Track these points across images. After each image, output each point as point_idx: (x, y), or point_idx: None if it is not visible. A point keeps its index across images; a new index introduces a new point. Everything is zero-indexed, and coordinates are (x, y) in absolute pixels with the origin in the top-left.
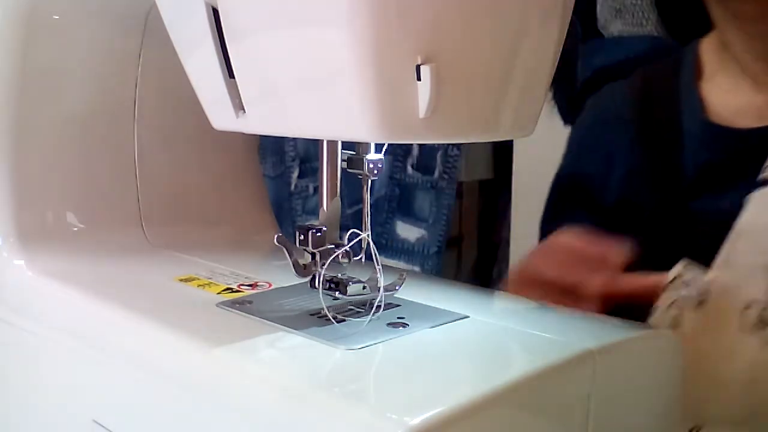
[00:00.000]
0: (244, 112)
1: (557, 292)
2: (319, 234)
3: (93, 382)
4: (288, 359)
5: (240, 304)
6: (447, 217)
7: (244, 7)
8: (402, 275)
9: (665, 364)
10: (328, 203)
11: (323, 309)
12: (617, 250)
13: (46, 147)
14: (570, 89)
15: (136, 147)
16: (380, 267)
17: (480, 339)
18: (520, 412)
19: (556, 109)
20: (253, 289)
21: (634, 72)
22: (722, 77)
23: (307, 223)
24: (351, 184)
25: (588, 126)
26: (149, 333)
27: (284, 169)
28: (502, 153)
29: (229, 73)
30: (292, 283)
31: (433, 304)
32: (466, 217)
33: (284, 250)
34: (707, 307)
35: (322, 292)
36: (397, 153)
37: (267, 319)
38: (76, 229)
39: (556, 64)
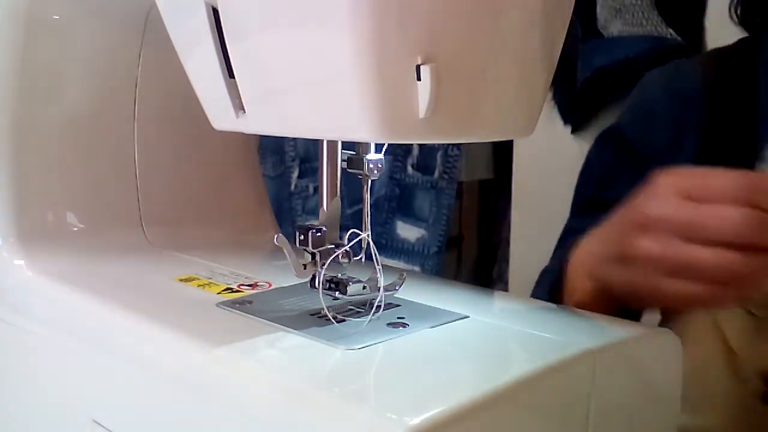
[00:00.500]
0: (244, 112)
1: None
2: (319, 234)
3: (93, 382)
4: (288, 359)
5: (240, 304)
6: (447, 217)
7: (244, 7)
8: (402, 275)
9: (665, 364)
10: (328, 203)
11: (323, 309)
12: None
13: (47, 147)
14: (570, 89)
15: (136, 147)
16: (380, 267)
17: (480, 339)
18: (520, 412)
19: (556, 109)
20: (253, 289)
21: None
22: None
23: (307, 223)
24: (351, 184)
25: (654, 98)
26: (149, 333)
27: (284, 169)
28: (502, 153)
29: (229, 73)
30: (292, 283)
31: (433, 304)
32: (466, 217)
33: (284, 250)
34: None
35: (322, 292)
36: (397, 153)
37: (267, 319)
38: (76, 229)
39: (556, 64)
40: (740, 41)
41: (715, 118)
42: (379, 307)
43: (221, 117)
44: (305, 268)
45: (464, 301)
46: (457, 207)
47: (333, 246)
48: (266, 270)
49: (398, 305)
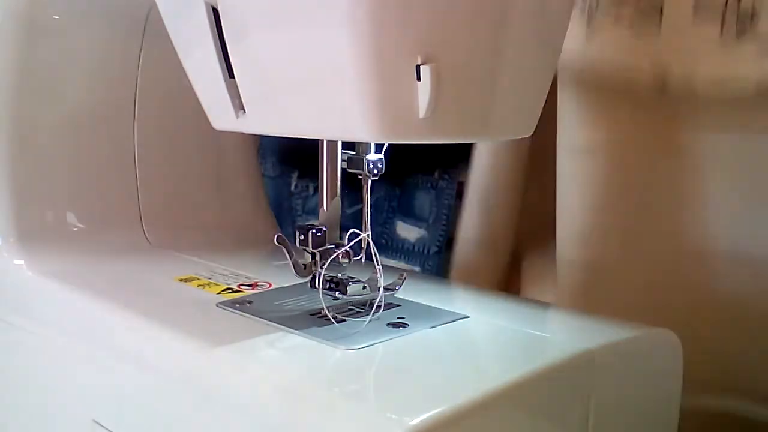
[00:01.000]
0: (244, 112)
1: None
2: (319, 234)
3: (93, 382)
4: (288, 359)
5: (240, 304)
6: (447, 217)
7: (244, 7)
8: (402, 275)
9: (665, 364)
10: (328, 203)
11: (323, 309)
12: None
13: (46, 147)
14: None
15: (136, 147)
16: (380, 267)
17: (480, 339)
18: (520, 412)
19: None
20: (253, 289)
21: None
22: None
23: (307, 223)
24: (351, 184)
25: None
26: (149, 333)
27: (284, 169)
28: None
29: (229, 73)
30: (292, 283)
31: (433, 304)
32: None
33: (284, 250)
34: None
35: (322, 292)
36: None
37: (267, 319)
38: (76, 229)
39: (557, 63)
40: None
41: None
42: (379, 307)
43: (221, 117)
44: (305, 268)
45: (464, 301)
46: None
47: (333, 246)
48: (266, 270)
49: (398, 305)
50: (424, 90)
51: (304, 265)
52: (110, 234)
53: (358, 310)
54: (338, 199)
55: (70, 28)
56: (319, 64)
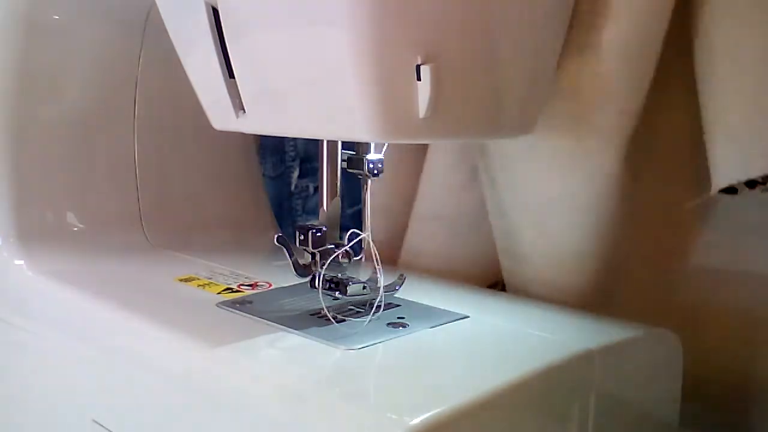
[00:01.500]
0: (244, 112)
1: None
2: (319, 234)
3: (93, 382)
4: (288, 359)
5: (240, 304)
6: None
7: (244, 7)
8: (402, 275)
9: (665, 364)
10: (328, 203)
11: (323, 309)
12: None
13: (46, 147)
14: None
15: (136, 147)
16: (380, 267)
17: (480, 339)
18: (520, 412)
19: None
20: (253, 289)
21: None
22: None
23: (307, 223)
24: (351, 184)
25: None
26: (149, 333)
27: (284, 169)
28: None
29: (229, 73)
30: (292, 283)
31: (433, 304)
32: None
33: (284, 250)
34: None
35: (322, 292)
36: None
37: (267, 319)
38: (76, 229)
39: (556, 63)
40: None
41: None
42: (379, 307)
43: (221, 117)
44: (305, 268)
45: (464, 301)
46: None
47: (333, 246)
48: (266, 270)
49: (398, 305)
50: (424, 90)
51: (304, 265)
52: (110, 234)
53: (358, 310)
54: (338, 199)
55: (70, 28)
56: (320, 64)
